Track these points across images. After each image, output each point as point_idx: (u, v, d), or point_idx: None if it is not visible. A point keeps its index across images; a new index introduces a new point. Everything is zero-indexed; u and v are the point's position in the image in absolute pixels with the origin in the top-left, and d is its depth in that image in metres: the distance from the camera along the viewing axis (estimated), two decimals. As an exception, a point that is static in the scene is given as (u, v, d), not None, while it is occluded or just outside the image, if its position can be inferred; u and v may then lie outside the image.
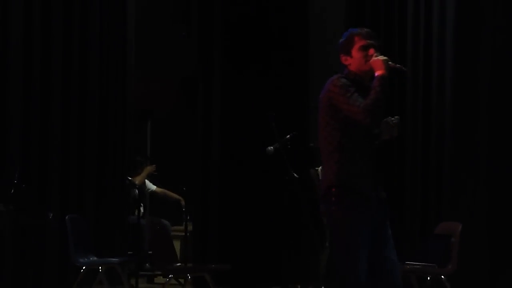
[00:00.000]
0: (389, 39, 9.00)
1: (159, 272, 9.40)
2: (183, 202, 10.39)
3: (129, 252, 9.53)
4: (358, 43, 4.73)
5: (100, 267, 7.96)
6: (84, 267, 7.90)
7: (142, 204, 10.01)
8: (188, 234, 9.56)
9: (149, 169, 10.55)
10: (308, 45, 10.03)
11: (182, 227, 9.75)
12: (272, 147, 7.70)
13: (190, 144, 10.31)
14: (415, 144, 8.92)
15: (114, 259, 8.21)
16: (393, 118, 4.76)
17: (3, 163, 8.66)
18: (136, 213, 9.59)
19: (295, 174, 7.71)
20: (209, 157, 9.84)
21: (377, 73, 4.61)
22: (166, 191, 10.82)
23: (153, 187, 10.75)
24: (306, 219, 8.75)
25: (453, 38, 8.86)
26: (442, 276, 7.52)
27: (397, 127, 4.78)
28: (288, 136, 7.91)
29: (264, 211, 9.36)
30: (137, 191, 10.01)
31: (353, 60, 4.75)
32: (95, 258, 8.12)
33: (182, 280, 8.57)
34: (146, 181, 10.71)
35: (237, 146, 9.71)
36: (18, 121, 8.82)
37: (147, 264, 9.93)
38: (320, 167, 10.02)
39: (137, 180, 10.17)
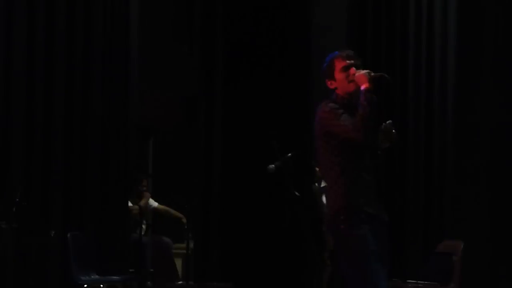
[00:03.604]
0: (391, 46, 9.07)
1: (161, 290, 9.39)
2: (184, 220, 10.37)
3: (130, 270, 9.52)
4: (339, 65, 4.79)
5: (102, 285, 7.95)
6: (86, 286, 7.89)
7: (144, 222, 10.00)
8: (189, 252, 9.55)
9: (148, 195, 10.57)
10: (311, 64, 10.05)
11: (184, 245, 9.74)
12: (273, 165, 7.70)
13: (192, 162, 10.32)
14: (417, 162, 8.94)
15: (116, 277, 8.20)
16: (386, 123, 4.77)
17: (5, 181, 8.67)
18: (138, 231, 9.57)
19: (296, 193, 7.71)
20: (211, 175, 9.85)
21: (362, 88, 4.63)
22: (168, 208, 10.80)
23: (155, 204, 10.74)
24: (307, 237, 8.74)
25: (455, 48, 8.94)
26: (444, 295, 7.52)
27: (393, 131, 4.79)
28: (290, 154, 7.91)
29: (266, 229, 9.36)
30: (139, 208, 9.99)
31: (338, 83, 4.79)
32: (97, 276, 8.11)
33: (183, 298, 8.58)
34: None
35: (238, 164, 9.72)
36: (20, 139, 8.83)
37: (148, 282, 9.91)
38: (321, 184, 10.08)
39: (141, 204, 10.15)
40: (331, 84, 4.84)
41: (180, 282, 8.25)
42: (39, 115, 8.96)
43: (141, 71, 10.17)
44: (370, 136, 4.61)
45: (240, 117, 9.82)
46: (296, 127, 9.63)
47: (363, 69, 4.73)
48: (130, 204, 9.95)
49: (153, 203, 10.73)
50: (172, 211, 10.75)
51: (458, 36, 8.96)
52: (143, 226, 9.86)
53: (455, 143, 8.83)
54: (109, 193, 9.35)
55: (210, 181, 9.83)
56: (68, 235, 8.11)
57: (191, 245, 9.82)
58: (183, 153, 11.96)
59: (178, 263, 9.65)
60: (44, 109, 8.99)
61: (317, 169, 9.93)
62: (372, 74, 4.65)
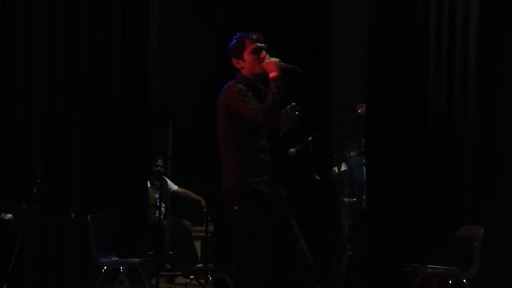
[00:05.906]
0: (412, 39, 9.01)
1: (180, 273, 9.42)
2: (204, 203, 10.39)
3: (150, 252, 9.55)
4: (249, 46, 4.83)
5: (121, 267, 7.97)
6: (105, 267, 7.91)
7: (163, 205, 10.02)
8: (208, 234, 9.56)
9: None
10: (331, 47, 10.00)
11: (203, 228, 9.74)
12: (294, 149, 7.67)
13: (211, 145, 10.30)
14: (437, 147, 8.87)
15: (135, 259, 8.22)
16: (290, 106, 4.86)
17: (27, 163, 8.71)
18: (157, 213, 9.60)
19: (316, 176, 7.68)
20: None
21: (271, 75, 4.73)
22: (187, 191, 10.82)
23: (175, 187, 10.75)
24: (327, 221, 8.72)
25: (477, 34, 8.83)
26: (464, 280, 7.49)
27: (295, 113, 4.88)
28: (310, 138, 7.87)
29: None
30: (158, 191, 10.02)
31: (246, 64, 4.85)
32: (116, 258, 8.13)
33: (202, 281, 8.57)
34: (168, 181, 10.73)
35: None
36: (42, 121, 8.87)
37: (168, 265, 9.94)
38: (336, 168, 10.05)
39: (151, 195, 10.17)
40: (237, 63, 4.88)
41: (199, 265, 8.25)
42: (59, 98, 8.99)
43: (160, 53, 10.18)
44: (277, 121, 4.75)
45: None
46: (317, 111, 9.58)
47: (272, 56, 4.81)
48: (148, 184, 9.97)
49: (173, 186, 10.75)
50: (192, 194, 10.77)
51: (479, 25, 8.86)
52: (162, 209, 9.88)
53: (475, 129, 8.75)
54: (129, 175, 9.38)
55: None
56: (88, 217, 8.13)
57: (210, 228, 9.83)
58: (202, 135, 11.96)
59: (197, 246, 9.64)
60: (64, 91, 9.02)
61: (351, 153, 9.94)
62: (283, 64, 4.75)
